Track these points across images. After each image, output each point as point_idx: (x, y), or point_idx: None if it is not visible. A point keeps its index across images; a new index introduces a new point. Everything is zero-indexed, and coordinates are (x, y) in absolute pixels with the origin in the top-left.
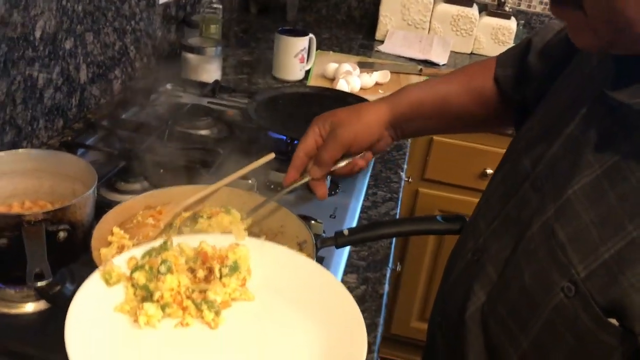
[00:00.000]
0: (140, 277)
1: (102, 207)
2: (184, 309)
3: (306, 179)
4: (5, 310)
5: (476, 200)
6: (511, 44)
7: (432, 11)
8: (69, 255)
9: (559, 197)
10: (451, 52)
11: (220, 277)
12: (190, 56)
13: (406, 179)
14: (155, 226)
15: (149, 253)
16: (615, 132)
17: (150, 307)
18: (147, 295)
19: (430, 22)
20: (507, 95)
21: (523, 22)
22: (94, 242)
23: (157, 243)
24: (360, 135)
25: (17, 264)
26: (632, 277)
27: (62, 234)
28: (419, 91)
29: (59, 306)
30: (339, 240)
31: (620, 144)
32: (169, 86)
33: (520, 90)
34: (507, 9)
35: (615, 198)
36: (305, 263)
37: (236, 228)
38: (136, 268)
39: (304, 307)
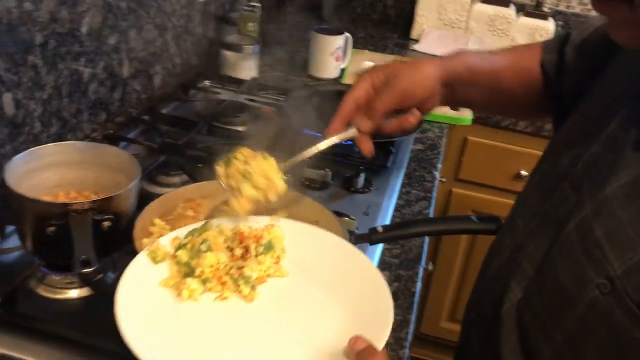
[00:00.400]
0: (183, 255)
1: (143, 199)
2: (223, 284)
3: (352, 133)
4: (51, 295)
5: (510, 201)
6: None
7: (469, 11)
8: (112, 244)
9: (597, 195)
10: None
11: (256, 255)
12: (229, 53)
13: (440, 179)
14: (194, 218)
15: (191, 233)
16: None
17: (192, 282)
18: (189, 272)
19: (467, 22)
20: (549, 82)
21: (561, 22)
22: (136, 232)
23: (199, 224)
24: (416, 85)
25: (63, 251)
26: None
27: (106, 224)
28: (474, 57)
29: (101, 293)
30: (372, 237)
31: None
32: (207, 82)
33: (559, 80)
34: (545, 9)
35: None
36: (338, 243)
37: (275, 175)
38: (179, 247)
39: (335, 284)
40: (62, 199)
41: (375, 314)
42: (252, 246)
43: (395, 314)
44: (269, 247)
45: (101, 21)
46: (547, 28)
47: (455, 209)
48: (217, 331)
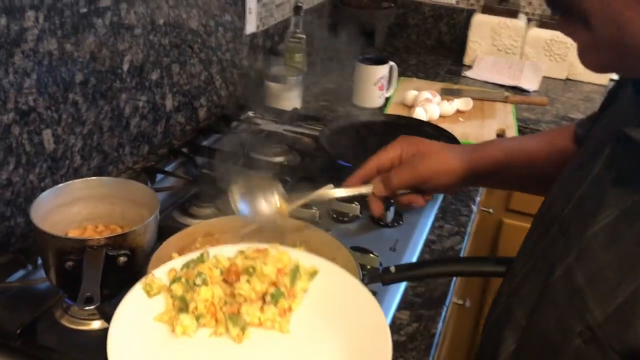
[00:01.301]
0: (178, 289)
1: (173, 229)
2: (217, 320)
3: (365, 191)
4: (73, 326)
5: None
6: None
7: (524, 36)
8: (128, 278)
9: (581, 239)
10: (544, 77)
11: (263, 302)
12: (272, 84)
13: (486, 210)
14: None
15: (187, 265)
16: (635, 172)
17: (185, 318)
18: (183, 306)
19: (522, 47)
20: None
21: None
22: (150, 267)
23: (195, 255)
24: (439, 174)
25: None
26: None
27: (122, 259)
28: (508, 144)
29: None
30: (385, 277)
31: (638, 183)
32: (250, 113)
33: None
34: None
35: (631, 238)
36: (349, 282)
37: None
38: (174, 280)
39: (335, 326)
40: (90, 232)
41: (373, 339)
42: (265, 288)
43: (412, 357)
44: (277, 296)
45: (143, 58)
46: None
47: (507, 242)
48: None
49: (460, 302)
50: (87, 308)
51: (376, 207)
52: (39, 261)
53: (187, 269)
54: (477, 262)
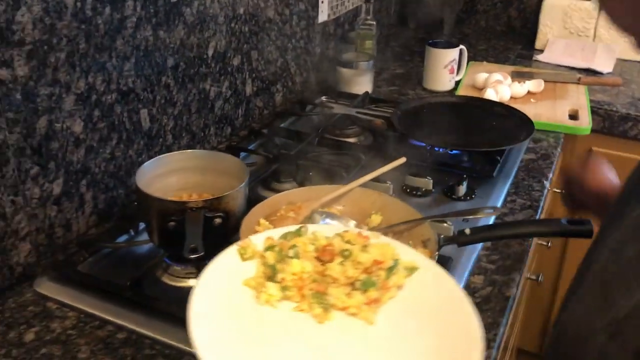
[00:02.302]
0: (270, 257)
1: (257, 201)
2: (303, 295)
3: None
4: (173, 283)
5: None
6: None
7: (597, 18)
8: (222, 239)
9: (619, 228)
10: (618, 59)
11: (353, 287)
12: (344, 70)
13: (557, 190)
14: (295, 219)
15: (284, 236)
16: None
17: (272, 287)
18: (272, 275)
19: (594, 29)
20: None
21: None
22: (242, 230)
23: (293, 228)
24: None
25: (182, 243)
26: None
27: (217, 220)
28: None
29: None
30: (460, 239)
31: None
32: (323, 98)
33: None
34: None
35: None
36: (434, 272)
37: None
38: (269, 247)
39: (420, 313)
40: (185, 199)
41: (462, 346)
42: (356, 273)
43: (487, 316)
44: (368, 285)
45: (225, 44)
46: None
47: None
48: (287, 344)
49: (534, 277)
50: (192, 257)
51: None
52: (140, 227)
53: (284, 240)
54: (551, 223)
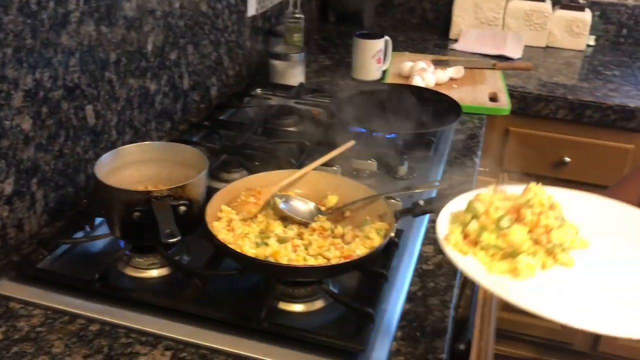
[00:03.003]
0: (489, 239)
1: (208, 193)
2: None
3: None
4: (136, 274)
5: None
6: (586, 35)
7: (505, 8)
8: (187, 228)
9: None
10: (525, 46)
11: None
12: (277, 62)
13: (483, 169)
14: (256, 204)
15: (462, 222)
16: None
17: (521, 259)
18: (510, 251)
19: (503, 18)
20: None
21: (598, 13)
22: (207, 217)
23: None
24: None
25: (146, 234)
26: None
27: (182, 208)
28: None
29: (181, 270)
30: (416, 210)
31: None
32: (259, 90)
33: None
34: (581, 0)
35: None
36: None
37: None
38: (482, 231)
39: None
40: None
41: None
42: (551, 216)
43: (441, 281)
44: (563, 218)
45: (163, 39)
46: (584, 19)
47: None
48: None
49: None
50: (171, 241)
51: None
52: (97, 222)
53: (472, 219)
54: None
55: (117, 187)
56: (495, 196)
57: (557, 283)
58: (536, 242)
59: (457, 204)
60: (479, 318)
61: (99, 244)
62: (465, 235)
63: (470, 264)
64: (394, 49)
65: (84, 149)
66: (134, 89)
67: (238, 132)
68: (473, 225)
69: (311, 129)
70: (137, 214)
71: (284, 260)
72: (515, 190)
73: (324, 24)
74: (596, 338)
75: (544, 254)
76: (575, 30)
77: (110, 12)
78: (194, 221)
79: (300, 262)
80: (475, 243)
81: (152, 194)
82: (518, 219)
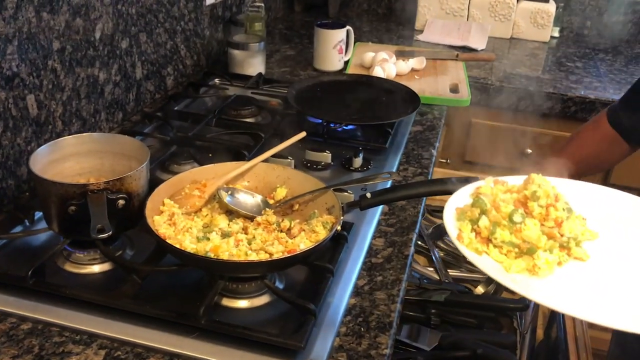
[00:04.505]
0: (504, 236)
1: (156, 185)
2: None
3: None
4: (76, 270)
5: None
6: (550, 27)
7: None
8: (127, 222)
9: None
10: (490, 37)
11: (567, 218)
12: (236, 52)
13: (444, 161)
14: (200, 197)
15: (471, 219)
16: None
17: (540, 256)
18: (529, 248)
19: (468, 9)
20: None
21: (562, 4)
22: (147, 211)
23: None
24: None
25: (83, 228)
26: None
27: (120, 202)
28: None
29: (122, 266)
30: (362, 202)
31: None
32: (217, 80)
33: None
34: None
35: None
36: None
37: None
38: (492, 230)
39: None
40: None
41: None
42: (560, 207)
43: (390, 274)
44: (569, 210)
45: (113, 27)
46: (548, 10)
47: None
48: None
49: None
50: (100, 237)
51: None
52: (37, 216)
53: (482, 215)
54: (442, 183)
55: (52, 180)
56: (497, 188)
57: (577, 279)
58: (550, 236)
59: (458, 200)
60: (573, 342)
61: (40, 239)
62: (477, 233)
63: (491, 265)
64: (359, 40)
65: (25, 140)
66: (80, 78)
67: (192, 123)
68: (484, 222)
69: (268, 120)
70: (72, 207)
71: (224, 256)
72: (513, 180)
73: (289, 13)
74: None
75: (558, 249)
76: (539, 22)
77: None
78: (134, 215)
79: (241, 257)
80: (488, 240)
81: (88, 187)
82: (526, 212)
